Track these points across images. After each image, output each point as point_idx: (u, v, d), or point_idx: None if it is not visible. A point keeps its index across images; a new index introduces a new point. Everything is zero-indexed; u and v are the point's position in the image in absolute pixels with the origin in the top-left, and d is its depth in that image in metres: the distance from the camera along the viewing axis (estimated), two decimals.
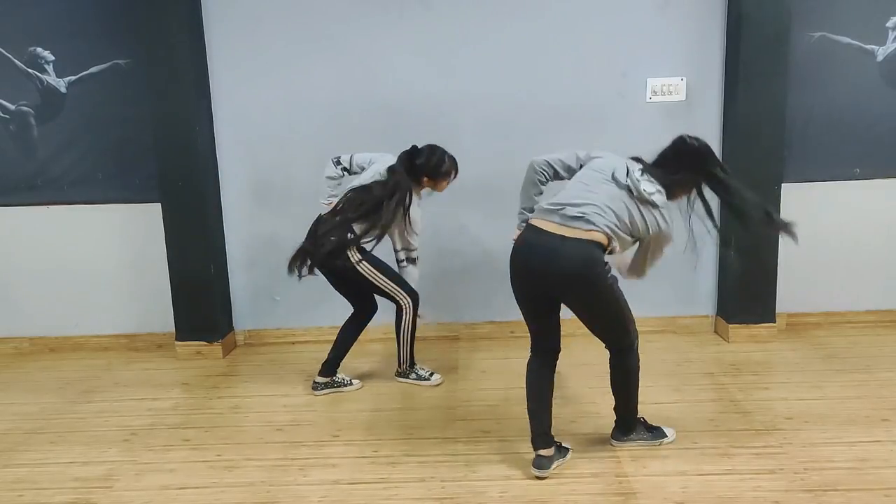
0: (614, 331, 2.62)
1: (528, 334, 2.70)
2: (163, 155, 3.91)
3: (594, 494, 2.49)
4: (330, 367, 3.48)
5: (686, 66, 3.96)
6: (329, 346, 3.50)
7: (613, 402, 2.81)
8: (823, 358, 3.73)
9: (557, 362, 2.71)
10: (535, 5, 3.62)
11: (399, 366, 3.60)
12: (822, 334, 4.09)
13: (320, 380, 3.47)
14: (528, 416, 2.67)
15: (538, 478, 2.59)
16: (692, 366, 3.69)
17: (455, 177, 3.37)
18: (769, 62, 3.77)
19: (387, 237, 3.27)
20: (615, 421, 2.83)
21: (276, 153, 4.09)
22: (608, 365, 2.72)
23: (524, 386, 2.69)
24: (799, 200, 4.06)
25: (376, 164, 3.31)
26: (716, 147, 4.03)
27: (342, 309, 3.51)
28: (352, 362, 3.61)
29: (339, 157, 3.37)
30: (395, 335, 3.58)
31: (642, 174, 2.49)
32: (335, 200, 3.31)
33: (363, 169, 3.34)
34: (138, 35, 3.85)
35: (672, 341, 4.08)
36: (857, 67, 3.97)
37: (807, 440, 2.82)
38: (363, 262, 3.29)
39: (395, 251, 3.42)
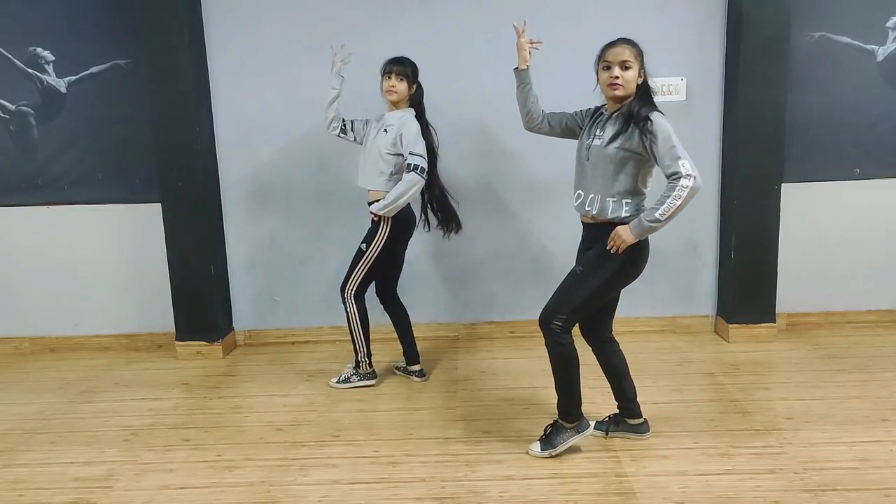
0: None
1: (567, 322, 2.65)
2: (163, 155, 3.91)
3: (594, 494, 2.49)
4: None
5: (686, 66, 3.96)
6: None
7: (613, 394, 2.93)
8: (823, 358, 3.73)
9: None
10: (535, 5, 3.62)
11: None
12: (822, 334, 4.10)
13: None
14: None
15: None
16: (692, 366, 3.70)
17: (385, 74, 3.30)
18: (769, 62, 3.77)
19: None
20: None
21: (276, 153, 4.09)
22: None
23: (572, 370, 2.69)
24: (799, 200, 4.07)
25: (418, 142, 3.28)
26: (716, 147, 4.05)
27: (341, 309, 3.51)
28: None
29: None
30: (396, 333, 3.62)
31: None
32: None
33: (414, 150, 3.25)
34: (138, 35, 3.85)
35: (672, 341, 4.08)
36: (857, 67, 3.98)
37: (807, 440, 2.82)
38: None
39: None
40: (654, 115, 2.51)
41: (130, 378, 3.82)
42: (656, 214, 2.46)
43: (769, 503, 2.41)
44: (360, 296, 3.43)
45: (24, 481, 2.74)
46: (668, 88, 3.94)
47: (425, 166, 3.22)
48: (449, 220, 3.51)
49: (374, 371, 3.54)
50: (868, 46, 3.96)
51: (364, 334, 3.46)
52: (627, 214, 2.57)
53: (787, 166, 3.97)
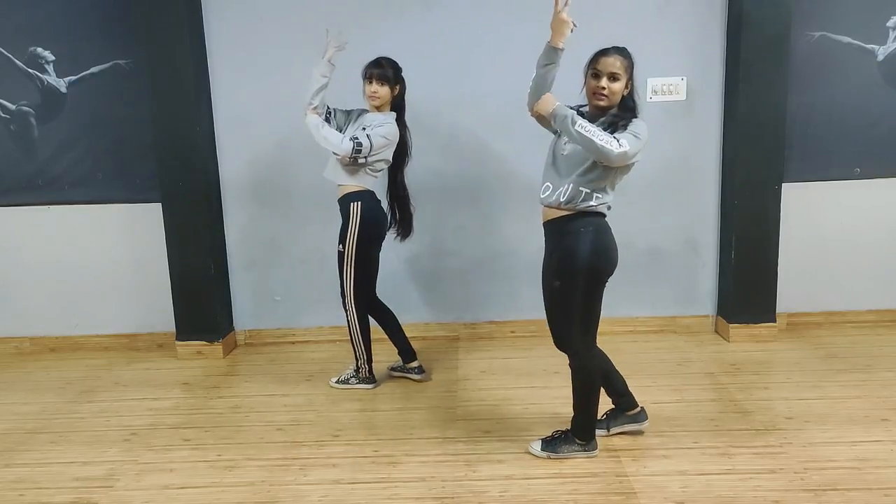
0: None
1: (584, 344, 2.66)
2: (163, 155, 3.91)
3: (594, 494, 2.49)
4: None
5: (686, 66, 3.96)
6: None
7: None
8: (824, 358, 3.73)
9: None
10: (535, 5, 3.61)
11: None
12: (823, 334, 4.10)
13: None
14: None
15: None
16: (692, 366, 3.70)
17: (366, 79, 3.26)
18: (769, 62, 3.77)
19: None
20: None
21: (276, 153, 4.09)
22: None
23: (595, 391, 2.71)
24: (799, 200, 4.07)
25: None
26: (716, 147, 4.05)
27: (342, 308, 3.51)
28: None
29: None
30: (386, 335, 3.62)
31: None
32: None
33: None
34: (138, 35, 3.85)
35: (672, 341, 4.08)
36: (858, 67, 3.97)
37: (807, 440, 2.83)
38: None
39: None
40: (636, 120, 2.54)
41: (131, 378, 3.82)
42: (580, 121, 2.45)
43: (769, 503, 2.41)
44: (360, 302, 3.42)
45: (25, 481, 2.75)
46: (668, 88, 3.94)
47: (362, 151, 3.15)
48: (404, 224, 3.52)
49: (373, 377, 3.54)
50: (868, 46, 3.96)
51: (364, 342, 3.46)
52: (597, 204, 2.55)
53: (787, 166, 3.97)
